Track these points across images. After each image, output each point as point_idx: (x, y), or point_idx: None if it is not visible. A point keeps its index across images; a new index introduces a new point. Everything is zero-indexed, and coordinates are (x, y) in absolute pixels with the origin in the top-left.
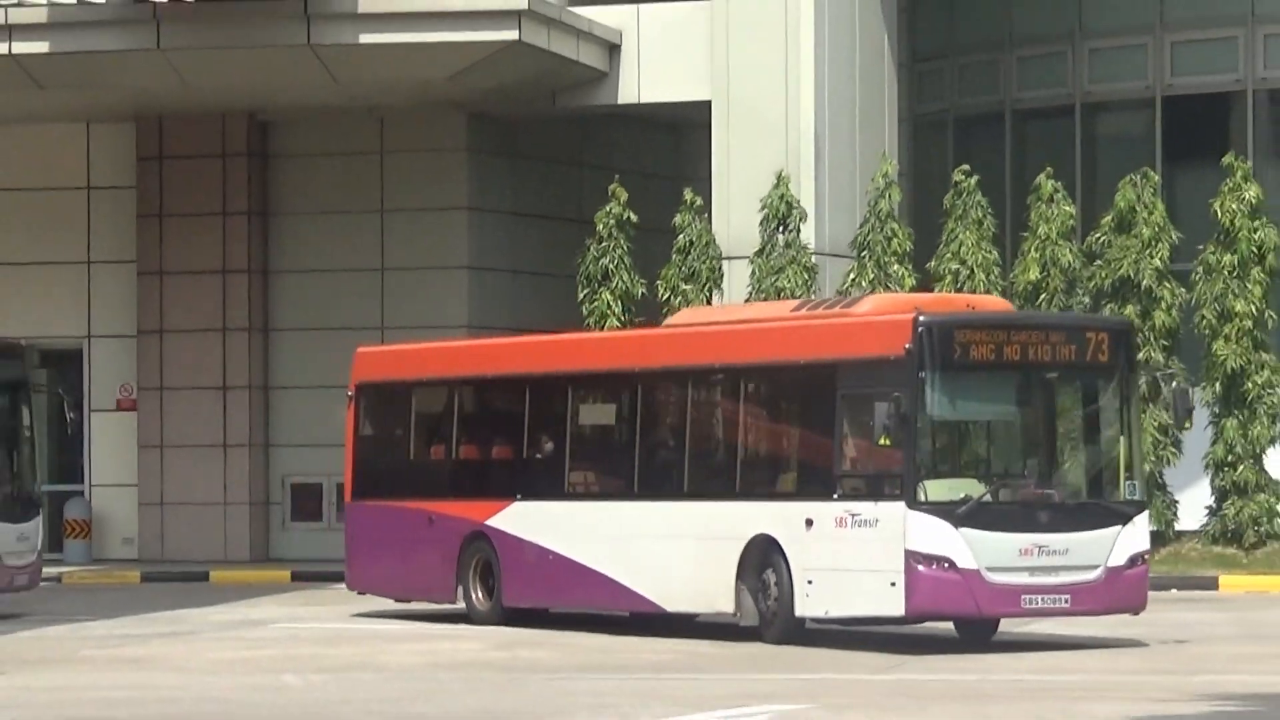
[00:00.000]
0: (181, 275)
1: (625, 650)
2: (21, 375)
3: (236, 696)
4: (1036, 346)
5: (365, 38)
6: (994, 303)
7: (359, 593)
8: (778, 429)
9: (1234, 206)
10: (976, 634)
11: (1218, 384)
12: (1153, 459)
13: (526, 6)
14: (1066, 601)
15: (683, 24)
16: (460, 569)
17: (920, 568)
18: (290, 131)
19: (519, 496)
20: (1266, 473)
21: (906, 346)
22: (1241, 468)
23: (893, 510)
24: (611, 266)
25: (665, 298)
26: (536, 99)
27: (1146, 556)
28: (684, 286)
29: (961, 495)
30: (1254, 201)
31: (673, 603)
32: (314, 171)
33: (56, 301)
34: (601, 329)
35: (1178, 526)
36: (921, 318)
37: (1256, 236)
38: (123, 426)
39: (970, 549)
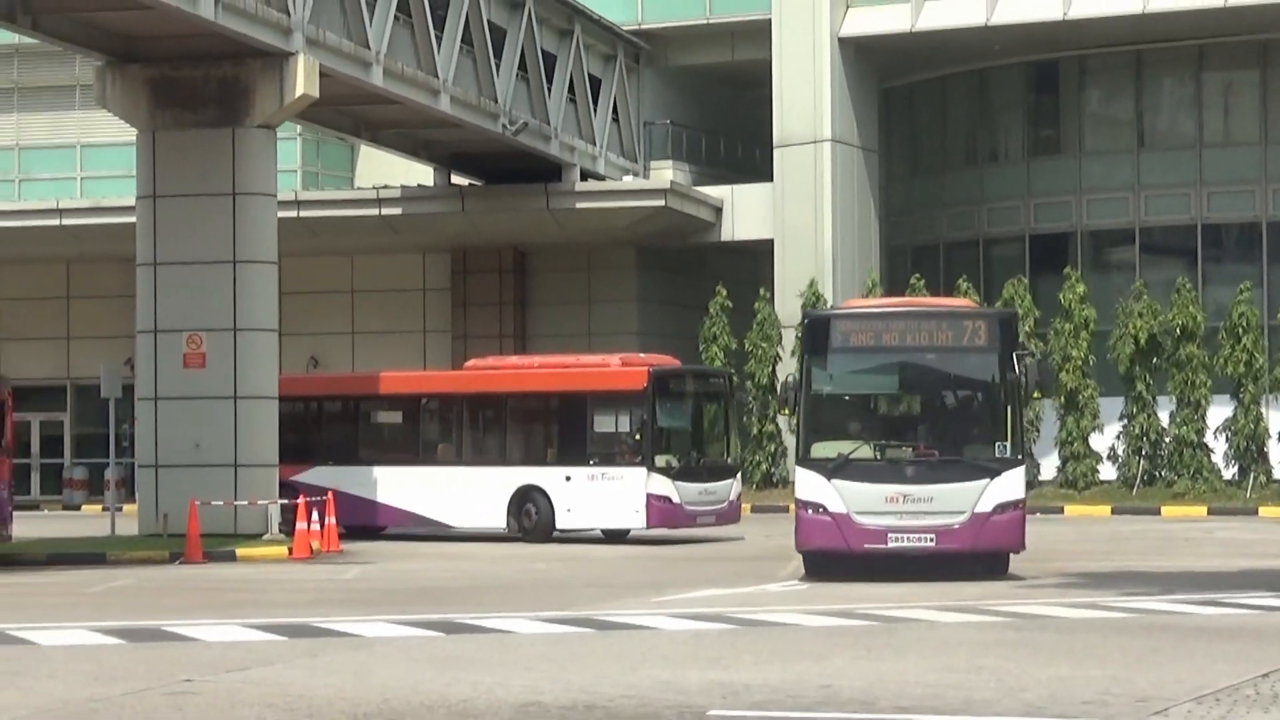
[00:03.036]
0: (476, 338)
1: (746, 553)
2: (725, 389)
3: (511, 574)
4: (914, 333)
5: (580, 205)
6: (956, 303)
7: None
8: None
9: (1070, 296)
10: (993, 566)
11: (1062, 396)
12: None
13: (669, 187)
14: (931, 540)
15: (758, 195)
16: None
17: (804, 512)
18: (538, 257)
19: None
20: (1091, 447)
21: (796, 337)
22: (1076, 444)
23: (794, 467)
24: (718, 332)
25: (749, 350)
26: (675, 238)
27: (1019, 505)
28: (761, 344)
29: (836, 454)
30: (1082, 294)
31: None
32: (551, 279)
33: (404, 356)
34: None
35: (1040, 477)
36: (808, 314)
37: (1083, 314)
38: None
39: (841, 497)
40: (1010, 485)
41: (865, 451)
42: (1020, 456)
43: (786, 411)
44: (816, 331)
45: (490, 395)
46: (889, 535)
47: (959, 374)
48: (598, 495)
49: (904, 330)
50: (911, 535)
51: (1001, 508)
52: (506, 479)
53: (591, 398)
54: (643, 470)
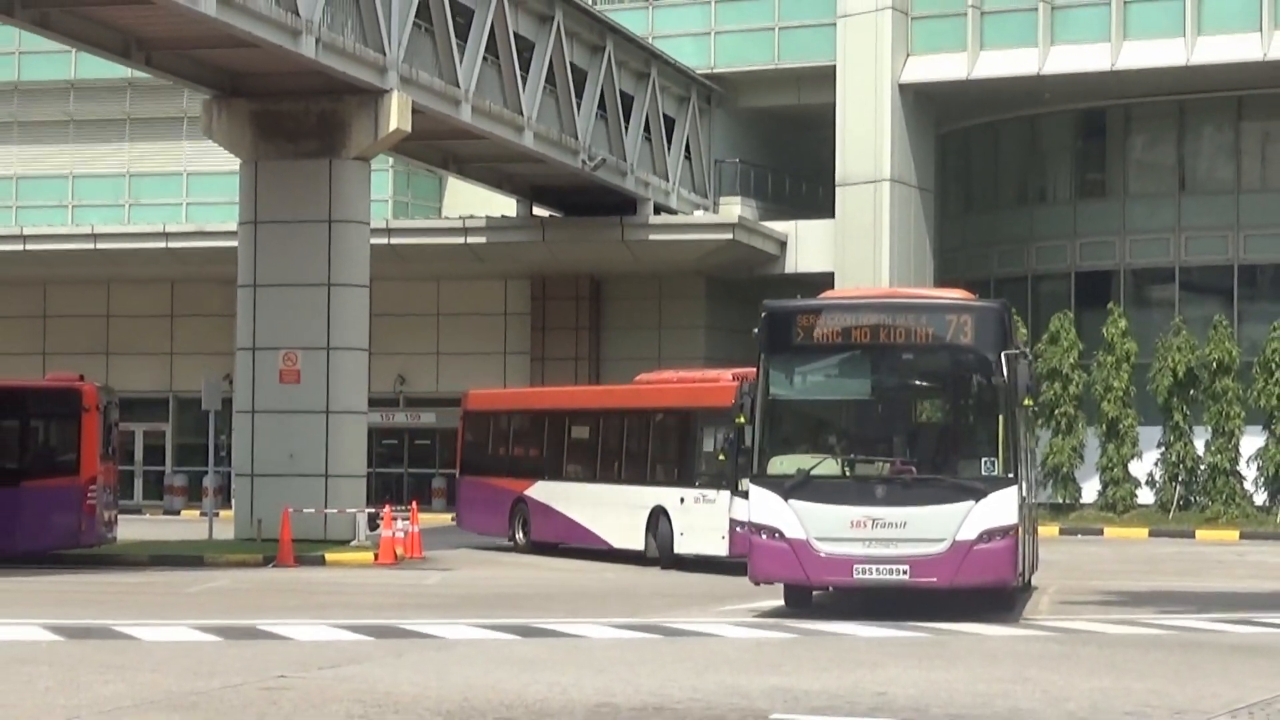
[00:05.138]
0: (553, 360)
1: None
2: None
3: (582, 583)
4: (888, 328)
5: (653, 237)
6: (941, 294)
7: None
8: None
9: (1113, 330)
10: (1001, 601)
11: (1104, 425)
12: (1068, 464)
13: (738, 221)
14: (905, 573)
15: (820, 230)
16: None
17: (758, 537)
18: (611, 285)
19: None
20: (1130, 473)
21: (754, 332)
22: (1116, 470)
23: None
24: None
25: None
26: (742, 269)
27: (1010, 532)
28: None
29: (795, 470)
30: (1124, 328)
31: None
32: (624, 306)
33: (485, 374)
34: None
35: (1081, 500)
36: (766, 306)
37: (1125, 347)
38: None
39: (799, 520)
40: (1000, 509)
41: (829, 467)
42: (1012, 475)
43: (742, 419)
44: (776, 326)
45: (630, 411)
46: (854, 566)
47: (941, 377)
48: (702, 518)
49: (877, 325)
50: (882, 567)
51: (989, 535)
52: (644, 498)
53: (700, 414)
54: (727, 493)
